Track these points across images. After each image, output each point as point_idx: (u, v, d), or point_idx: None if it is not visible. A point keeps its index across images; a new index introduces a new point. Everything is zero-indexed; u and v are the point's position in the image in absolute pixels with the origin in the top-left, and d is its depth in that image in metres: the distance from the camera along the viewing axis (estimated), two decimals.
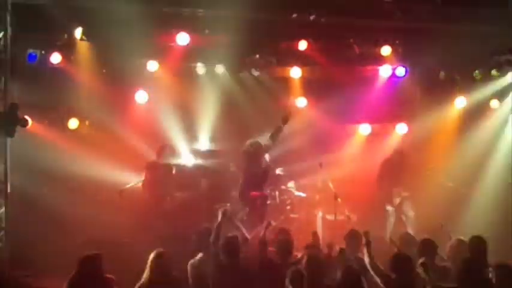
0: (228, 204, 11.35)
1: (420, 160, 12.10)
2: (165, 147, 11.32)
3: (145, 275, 7.30)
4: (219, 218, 8.10)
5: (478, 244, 7.73)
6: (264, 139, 10.49)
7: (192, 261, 7.83)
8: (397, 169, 11.52)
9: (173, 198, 11.22)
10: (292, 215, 11.52)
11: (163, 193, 11.12)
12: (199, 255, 7.89)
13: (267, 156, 10.49)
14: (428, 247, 7.83)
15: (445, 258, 8.00)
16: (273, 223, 8.76)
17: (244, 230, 8.42)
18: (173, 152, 11.51)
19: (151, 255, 7.35)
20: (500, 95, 12.47)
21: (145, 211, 10.83)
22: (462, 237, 8.14)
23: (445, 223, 8.98)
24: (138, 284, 7.31)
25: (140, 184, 11.07)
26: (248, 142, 10.75)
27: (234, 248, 7.63)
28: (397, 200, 11.34)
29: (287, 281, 7.04)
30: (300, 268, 7.26)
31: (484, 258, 7.61)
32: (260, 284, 7.51)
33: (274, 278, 7.38)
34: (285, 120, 10.37)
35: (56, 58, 11.05)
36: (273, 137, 10.36)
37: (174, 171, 11.41)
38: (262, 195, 10.61)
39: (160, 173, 11.04)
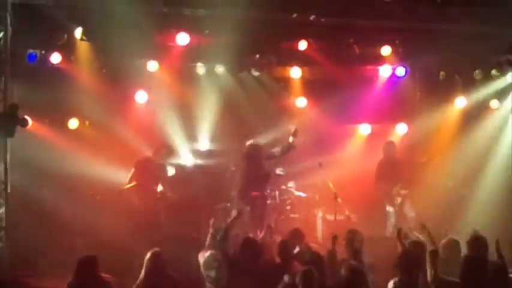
0: (229, 204, 11.40)
1: (420, 160, 12.11)
2: (163, 147, 11.24)
3: (141, 274, 7.30)
4: (233, 217, 7.83)
5: (479, 244, 7.71)
6: (274, 149, 10.78)
7: (203, 259, 7.69)
8: (391, 169, 11.51)
9: (163, 198, 10.94)
10: (292, 215, 11.52)
11: (150, 193, 10.82)
12: (208, 252, 7.73)
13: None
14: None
15: None
16: (273, 224, 8.67)
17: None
18: (171, 152, 11.38)
19: (147, 255, 7.35)
20: (500, 95, 12.49)
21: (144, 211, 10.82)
22: (456, 237, 8.12)
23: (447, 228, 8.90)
24: (134, 284, 7.31)
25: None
26: (248, 143, 10.75)
27: (254, 251, 7.39)
28: (398, 200, 11.33)
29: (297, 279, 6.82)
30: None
31: (486, 257, 7.60)
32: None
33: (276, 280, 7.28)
34: (294, 136, 10.59)
35: (56, 58, 11.04)
36: (282, 153, 10.73)
37: (168, 173, 11.30)
38: (262, 196, 10.62)
39: (150, 172, 10.83)
